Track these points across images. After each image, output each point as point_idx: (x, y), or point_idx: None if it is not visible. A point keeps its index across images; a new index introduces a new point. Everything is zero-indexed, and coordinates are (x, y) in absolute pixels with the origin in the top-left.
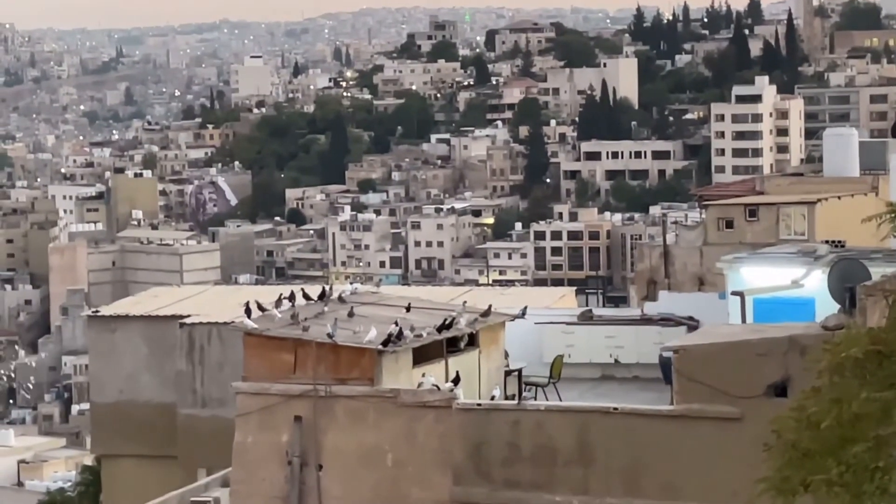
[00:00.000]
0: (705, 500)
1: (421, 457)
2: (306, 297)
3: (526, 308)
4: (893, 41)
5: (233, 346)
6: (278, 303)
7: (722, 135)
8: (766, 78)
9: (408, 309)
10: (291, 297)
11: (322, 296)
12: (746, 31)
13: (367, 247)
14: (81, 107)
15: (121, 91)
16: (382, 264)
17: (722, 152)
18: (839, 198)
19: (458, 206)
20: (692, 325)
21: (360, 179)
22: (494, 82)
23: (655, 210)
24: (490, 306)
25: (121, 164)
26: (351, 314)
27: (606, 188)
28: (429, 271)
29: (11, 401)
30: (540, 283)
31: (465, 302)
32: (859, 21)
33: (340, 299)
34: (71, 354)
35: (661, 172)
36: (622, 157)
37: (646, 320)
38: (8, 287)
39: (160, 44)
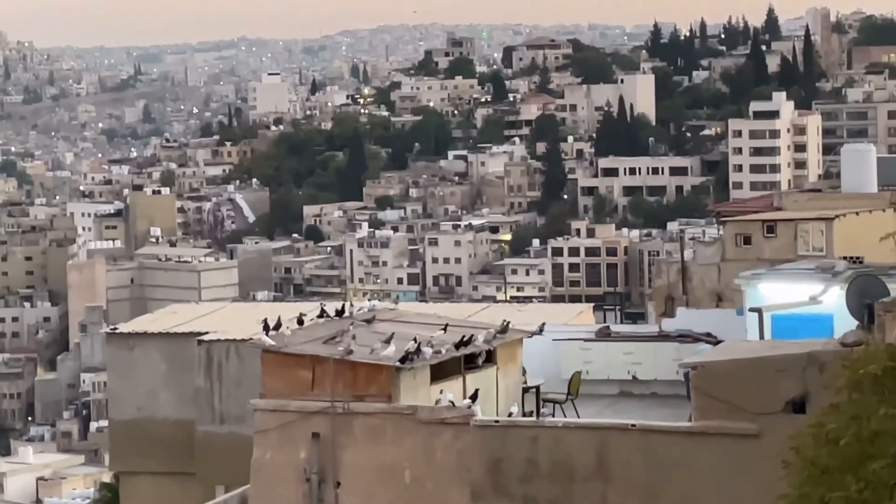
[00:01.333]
0: None
1: (439, 474)
2: (323, 314)
3: (544, 324)
4: None
5: (251, 362)
6: (300, 321)
7: (739, 151)
8: (784, 94)
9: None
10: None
11: (341, 312)
12: (764, 47)
13: (384, 263)
14: (100, 124)
15: (139, 108)
16: (400, 281)
17: (739, 168)
18: (857, 214)
19: (476, 222)
20: (710, 341)
21: (378, 196)
22: (512, 99)
23: (673, 226)
24: (507, 322)
25: (139, 181)
26: (372, 328)
27: (624, 204)
28: (446, 288)
29: (30, 418)
30: (557, 299)
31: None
32: (877, 36)
33: (364, 319)
34: (89, 372)
35: (679, 188)
36: (640, 174)
37: (664, 337)
38: (27, 304)
39: (178, 61)
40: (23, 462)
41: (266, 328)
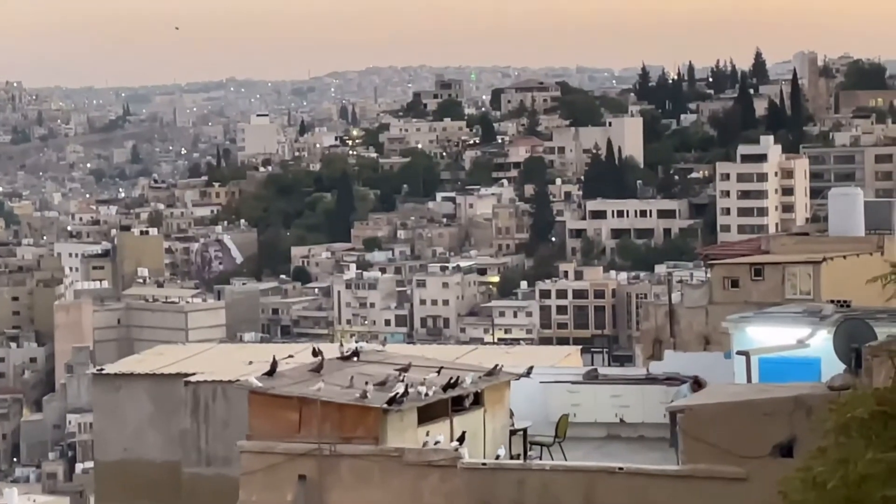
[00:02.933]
0: None
1: None
2: (316, 354)
3: (531, 367)
4: None
5: (238, 404)
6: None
7: (727, 194)
8: (772, 137)
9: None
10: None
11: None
12: (751, 91)
13: (372, 305)
14: (88, 164)
15: (127, 149)
16: (388, 322)
17: (727, 211)
18: (844, 257)
19: (464, 264)
20: (698, 384)
21: (366, 237)
22: (500, 141)
23: (661, 269)
24: (498, 365)
25: (127, 221)
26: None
27: (612, 247)
28: (434, 329)
29: (16, 459)
30: (545, 341)
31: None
32: (864, 81)
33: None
34: (75, 412)
35: (667, 231)
36: (627, 216)
37: (651, 380)
38: (13, 345)
39: (167, 102)
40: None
41: (273, 369)
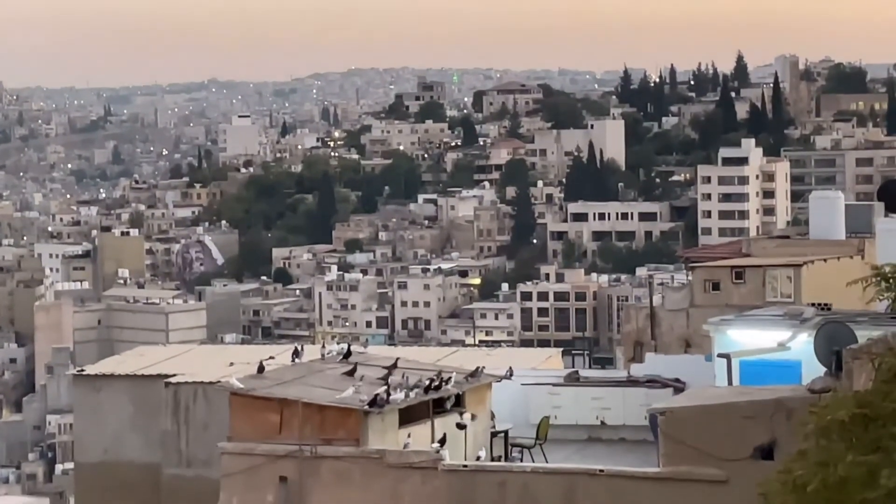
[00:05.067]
0: None
1: None
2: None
3: (512, 369)
4: (879, 105)
5: (218, 405)
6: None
7: (708, 197)
8: (753, 140)
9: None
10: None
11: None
12: (733, 94)
13: (353, 307)
14: (69, 165)
15: (108, 150)
16: (369, 324)
17: (708, 214)
18: (825, 261)
19: (445, 266)
20: (679, 387)
21: (347, 239)
22: (482, 143)
23: (642, 271)
24: (480, 367)
25: (107, 222)
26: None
27: (593, 249)
28: (415, 331)
29: None
30: (526, 343)
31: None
32: (845, 85)
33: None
34: (55, 413)
35: (648, 234)
36: (609, 219)
37: (632, 382)
38: None
39: (148, 103)
40: None
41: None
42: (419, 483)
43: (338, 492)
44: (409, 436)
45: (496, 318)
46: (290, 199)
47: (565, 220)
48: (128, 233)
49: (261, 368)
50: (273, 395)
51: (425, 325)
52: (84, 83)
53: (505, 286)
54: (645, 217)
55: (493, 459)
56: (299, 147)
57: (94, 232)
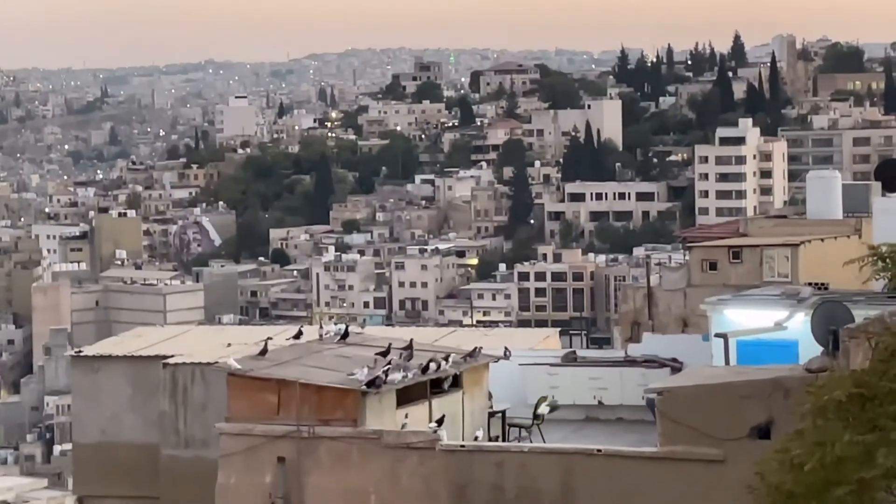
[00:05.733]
0: None
1: (405, 498)
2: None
3: (508, 349)
4: (876, 84)
5: (216, 386)
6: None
7: (706, 177)
8: (750, 120)
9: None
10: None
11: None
12: (730, 74)
13: (350, 287)
14: (66, 146)
15: (105, 131)
16: (366, 305)
17: (706, 194)
18: (822, 240)
19: (443, 246)
20: (676, 366)
21: (345, 220)
22: (479, 123)
23: (639, 251)
24: (477, 348)
25: (105, 203)
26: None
27: (590, 229)
28: (413, 312)
29: None
30: (524, 324)
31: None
32: (842, 64)
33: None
34: (53, 394)
35: (645, 214)
36: (606, 199)
37: (630, 362)
38: None
39: (145, 84)
40: None
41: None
42: (417, 463)
43: (336, 472)
44: (406, 416)
45: (493, 298)
46: (287, 179)
47: (562, 201)
48: (125, 214)
49: (264, 350)
50: (271, 375)
51: (423, 306)
52: (81, 64)
53: (502, 266)
54: (642, 197)
55: (490, 440)
56: (296, 128)
57: (92, 213)
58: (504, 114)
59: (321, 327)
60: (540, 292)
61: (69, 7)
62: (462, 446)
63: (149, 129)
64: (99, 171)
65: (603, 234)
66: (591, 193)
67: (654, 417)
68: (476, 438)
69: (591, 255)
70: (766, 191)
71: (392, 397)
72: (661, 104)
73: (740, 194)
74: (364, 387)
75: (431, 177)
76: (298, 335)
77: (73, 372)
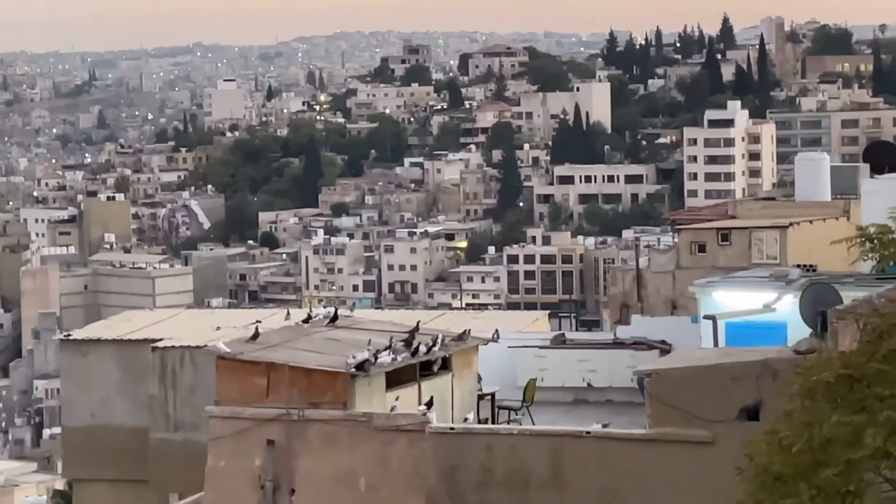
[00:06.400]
0: None
1: (394, 481)
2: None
3: (498, 332)
4: (864, 66)
5: (205, 369)
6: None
7: (694, 159)
8: (739, 102)
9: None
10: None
11: (308, 319)
12: (719, 56)
13: (340, 270)
14: (54, 130)
15: (94, 114)
16: (355, 288)
17: (694, 176)
18: (811, 222)
19: (432, 229)
20: (665, 348)
21: (334, 203)
22: (468, 106)
23: (628, 234)
24: (466, 330)
25: (93, 187)
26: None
27: (579, 212)
28: (402, 295)
29: None
30: (513, 306)
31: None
32: (831, 46)
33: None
34: (42, 378)
35: (634, 196)
36: (595, 181)
37: (619, 344)
38: None
39: (133, 67)
40: None
41: (255, 336)
42: (406, 446)
43: (325, 455)
44: (396, 398)
45: (483, 281)
46: (275, 163)
47: (551, 183)
48: (113, 197)
49: (255, 335)
50: (260, 358)
51: (412, 289)
52: (69, 47)
53: (491, 249)
54: (631, 179)
55: (479, 422)
56: (285, 111)
57: (80, 197)
58: (493, 97)
59: (311, 310)
60: (529, 275)
61: None
62: (452, 429)
63: (137, 113)
64: (87, 155)
65: (592, 216)
66: (580, 176)
67: (643, 399)
68: (466, 421)
69: (580, 237)
70: (754, 173)
71: (381, 380)
72: (650, 87)
73: (729, 176)
74: (353, 370)
75: (420, 160)
76: (288, 317)
77: (62, 356)
